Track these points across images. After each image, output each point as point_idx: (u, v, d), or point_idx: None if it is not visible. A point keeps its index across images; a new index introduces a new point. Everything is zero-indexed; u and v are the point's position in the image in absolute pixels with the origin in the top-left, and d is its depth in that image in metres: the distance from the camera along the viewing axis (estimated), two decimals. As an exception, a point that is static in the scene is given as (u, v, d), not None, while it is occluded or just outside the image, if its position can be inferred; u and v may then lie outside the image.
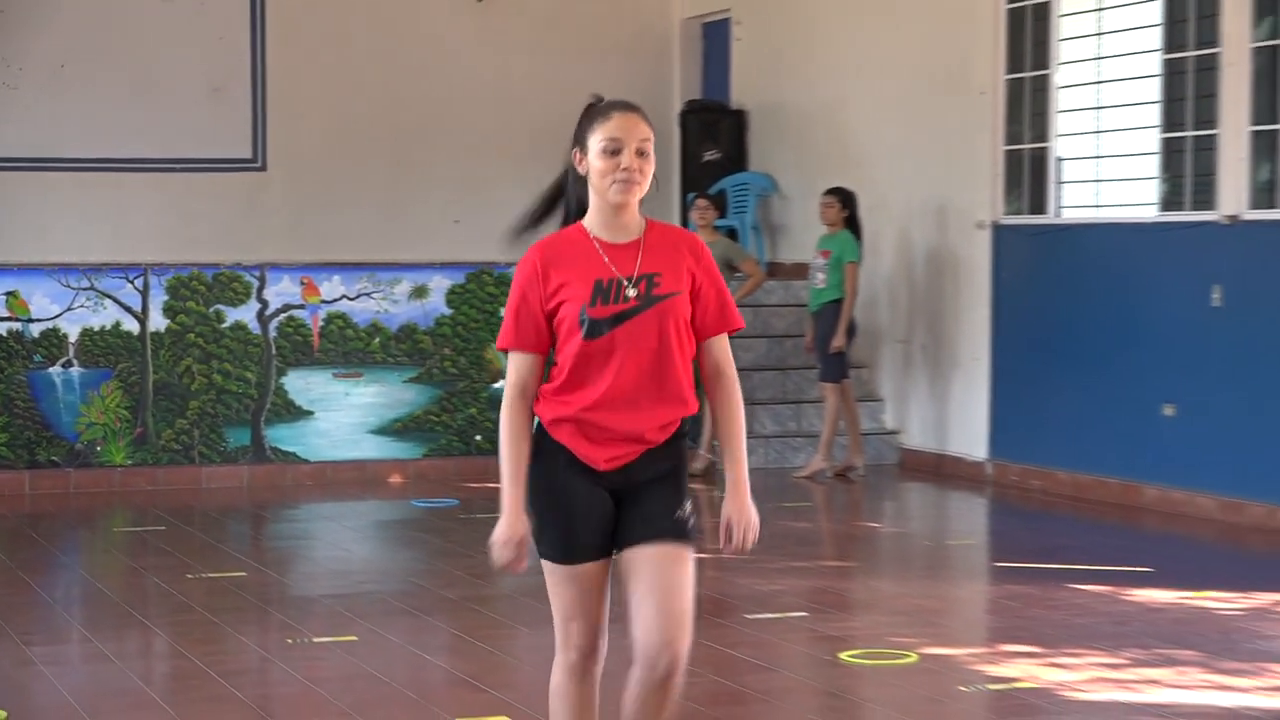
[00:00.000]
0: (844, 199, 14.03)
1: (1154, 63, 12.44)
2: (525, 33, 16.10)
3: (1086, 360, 12.93)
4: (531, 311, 4.93)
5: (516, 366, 4.96)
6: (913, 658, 8.11)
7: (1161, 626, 8.74)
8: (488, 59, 15.96)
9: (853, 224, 13.98)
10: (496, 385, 14.62)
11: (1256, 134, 11.60)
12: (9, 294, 13.72)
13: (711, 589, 9.35)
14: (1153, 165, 12.50)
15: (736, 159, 16.69)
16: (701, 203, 14.33)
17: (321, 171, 15.42)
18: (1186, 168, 12.20)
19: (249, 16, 15.19)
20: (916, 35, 14.55)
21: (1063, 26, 13.22)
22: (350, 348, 14.45)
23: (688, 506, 5.00)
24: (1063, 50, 13.24)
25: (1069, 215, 13.32)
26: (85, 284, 13.89)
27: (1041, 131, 13.41)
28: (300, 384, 14.34)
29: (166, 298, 14.08)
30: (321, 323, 14.41)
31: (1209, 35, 11.95)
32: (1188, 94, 12.16)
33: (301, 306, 14.36)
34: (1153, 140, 12.47)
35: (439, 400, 14.60)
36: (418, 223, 15.52)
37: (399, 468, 14.46)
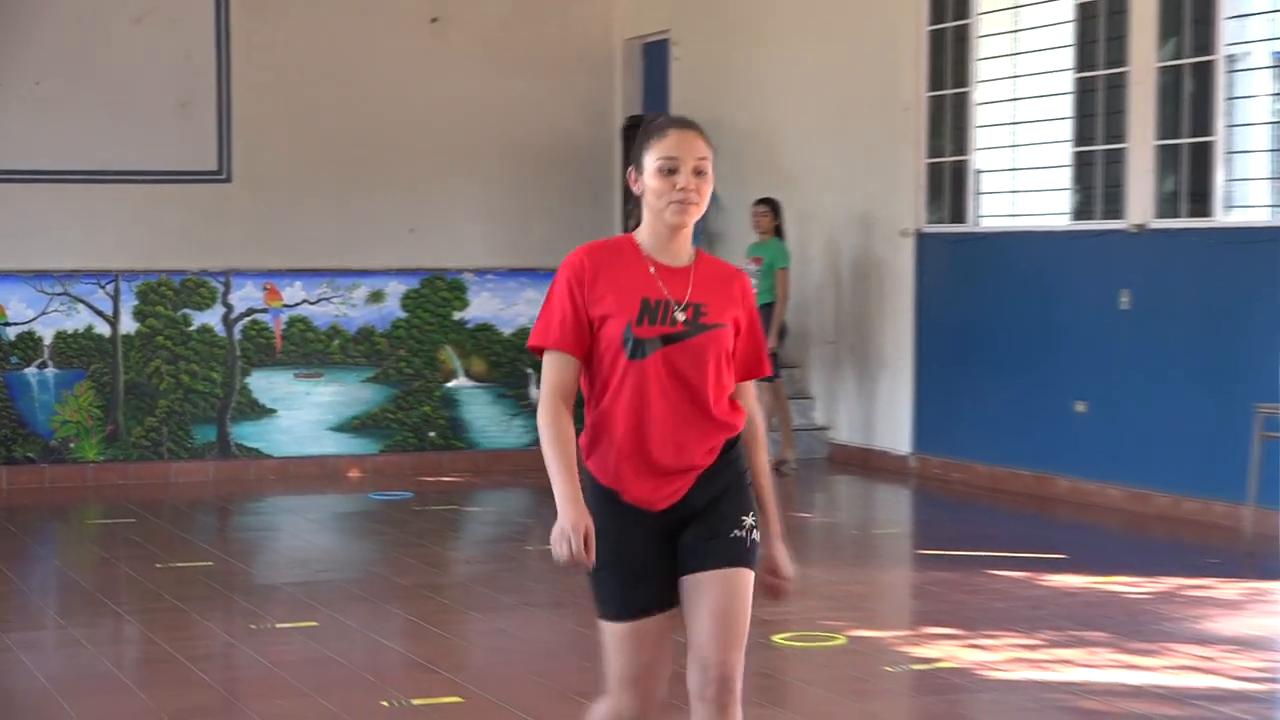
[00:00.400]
0: (775, 208, 14.06)
1: (1066, 81, 12.50)
2: (476, 52, 16.06)
3: (1004, 360, 12.99)
4: (576, 312, 4.49)
5: (556, 367, 4.50)
6: (841, 640, 8.13)
7: (1074, 610, 8.79)
8: (440, 77, 15.92)
9: (779, 232, 14.02)
10: (449, 385, 14.61)
11: (1162, 148, 11.68)
12: (-14, 299, 13.68)
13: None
14: (1065, 177, 12.56)
15: (676, 171, 16.65)
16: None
17: (283, 183, 15.35)
18: (1097, 179, 12.26)
19: (215, 37, 15.11)
20: (844, 55, 14.58)
21: (981, 47, 13.28)
22: (311, 349, 14.41)
23: (747, 520, 4.58)
24: (981, 69, 13.29)
25: (987, 224, 13.38)
26: (59, 289, 13.82)
27: (961, 145, 13.47)
28: (263, 384, 14.30)
29: (136, 302, 14.01)
30: (283, 326, 14.37)
31: (1117, 55, 12.01)
32: (1098, 110, 12.22)
33: (264, 310, 14.32)
34: (1065, 154, 12.53)
35: (395, 399, 14.56)
36: (374, 231, 15.47)
37: (357, 463, 14.42)
